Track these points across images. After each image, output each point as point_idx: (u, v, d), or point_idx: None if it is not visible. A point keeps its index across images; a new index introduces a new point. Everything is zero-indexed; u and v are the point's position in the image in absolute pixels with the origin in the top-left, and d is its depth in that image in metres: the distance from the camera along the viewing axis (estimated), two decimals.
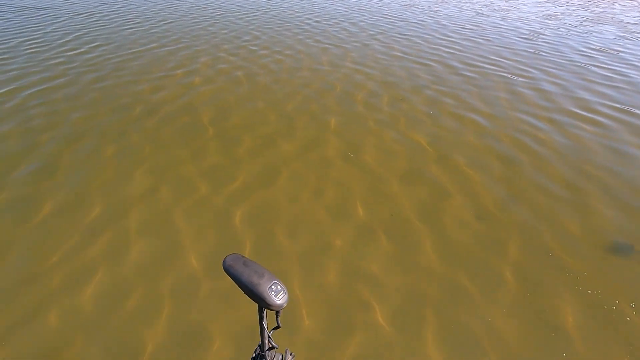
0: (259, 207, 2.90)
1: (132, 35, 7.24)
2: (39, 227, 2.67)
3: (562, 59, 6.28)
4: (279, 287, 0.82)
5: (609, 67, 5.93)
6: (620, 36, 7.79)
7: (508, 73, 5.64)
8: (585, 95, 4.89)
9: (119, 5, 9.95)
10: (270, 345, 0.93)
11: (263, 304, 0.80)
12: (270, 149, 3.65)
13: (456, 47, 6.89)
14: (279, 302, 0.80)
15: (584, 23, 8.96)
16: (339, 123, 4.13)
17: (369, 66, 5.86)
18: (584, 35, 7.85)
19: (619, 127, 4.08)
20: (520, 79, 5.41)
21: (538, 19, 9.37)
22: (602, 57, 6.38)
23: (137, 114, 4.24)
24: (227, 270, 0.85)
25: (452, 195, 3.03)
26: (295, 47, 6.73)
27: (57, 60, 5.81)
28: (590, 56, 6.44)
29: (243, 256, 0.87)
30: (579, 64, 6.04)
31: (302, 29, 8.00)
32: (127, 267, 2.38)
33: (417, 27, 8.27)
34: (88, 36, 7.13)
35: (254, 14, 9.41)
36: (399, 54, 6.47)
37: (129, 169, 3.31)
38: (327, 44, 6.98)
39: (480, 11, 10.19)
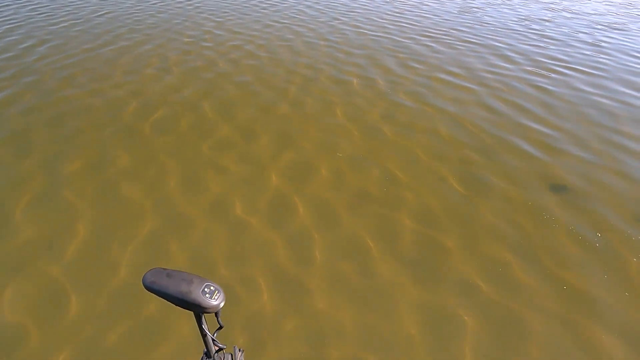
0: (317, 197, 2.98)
1: (71, 30, 6.45)
2: (84, 245, 2.45)
3: (506, 28, 7.06)
4: (212, 287, 0.80)
5: (547, 33, 6.83)
6: (544, 8, 8.91)
7: (466, 42, 6.21)
8: (538, 57, 5.63)
9: None
10: (218, 348, 0.92)
11: (200, 310, 0.78)
12: (293, 134, 3.68)
13: (412, 22, 7.34)
14: (216, 303, 0.78)
15: None
16: (343, 101, 4.26)
17: (342, 43, 6.01)
18: (513, 7, 8.83)
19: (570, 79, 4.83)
20: (482, 48, 6.00)
21: None
22: (536, 26, 7.30)
23: (129, 126, 3.92)
24: (151, 288, 0.79)
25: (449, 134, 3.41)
26: (265, 31, 6.60)
27: None
28: (528, 26, 7.32)
29: (164, 269, 0.82)
30: (521, 32, 6.85)
31: (261, 13, 7.82)
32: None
33: (368, 6, 8.57)
34: (17, 34, 6.20)
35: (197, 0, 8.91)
36: (366, 31, 6.71)
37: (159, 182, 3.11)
38: (295, 25, 6.96)
39: None
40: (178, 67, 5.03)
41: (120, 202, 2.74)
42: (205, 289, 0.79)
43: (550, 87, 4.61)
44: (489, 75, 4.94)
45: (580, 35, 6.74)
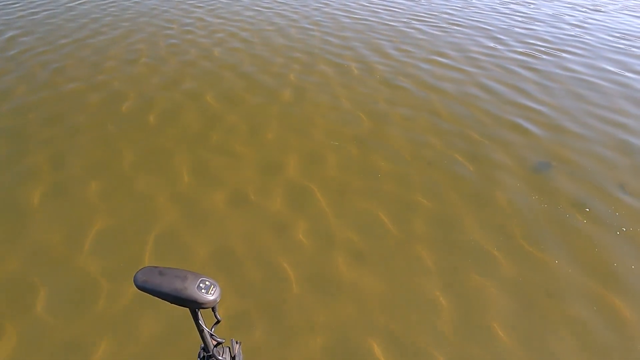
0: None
1: (52, 20, 6.21)
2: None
3: (493, 11, 7.18)
4: (207, 282, 0.79)
5: (533, 15, 6.99)
6: None
7: (456, 25, 6.30)
8: (527, 39, 5.78)
9: None
10: (216, 342, 0.92)
11: (196, 306, 0.77)
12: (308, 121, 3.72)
13: (402, 7, 7.38)
14: (212, 298, 0.77)
15: None
16: (344, 86, 4.31)
17: (335, 28, 6.01)
18: None
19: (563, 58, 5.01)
20: (473, 31, 6.10)
21: None
22: (521, 8, 7.45)
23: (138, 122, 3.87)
24: (143, 287, 0.77)
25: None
26: (258, 18, 6.52)
27: None
28: (513, 8, 7.46)
29: (156, 267, 0.80)
30: (507, 14, 6.99)
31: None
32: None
33: None
34: None
35: None
36: (358, 16, 6.72)
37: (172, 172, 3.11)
38: (286, 11, 6.89)
39: None
40: (174, 56, 4.94)
41: (134, 196, 2.74)
42: (201, 284, 0.77)
43: (541, 68, 4.77)
44: (482, 57, 5.06)
45: (565, 17, 6.92)
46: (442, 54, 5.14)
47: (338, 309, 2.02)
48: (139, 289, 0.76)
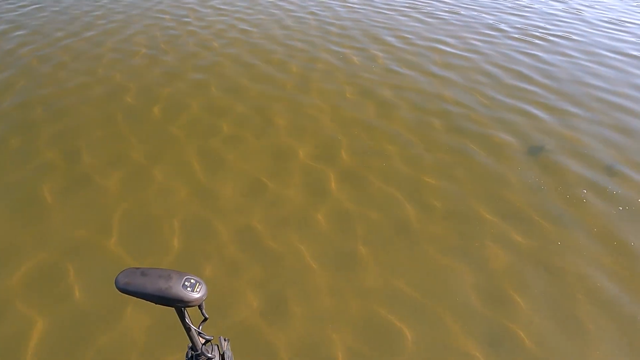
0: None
1: (44, 14, 6.08)
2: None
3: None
4: (192, 280, 0.77)
5: (524, 1, 7.09)
6: None
7: (451, 13, 6.36)
8: (521, 25, 5.87)
9: None
10: (205, 340, 0.91)
11: (182, 305, 0.75)
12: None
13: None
14: (198, 296, 0.76)
15: None
16: (348, 75, 4.36)
17: (333, 17, 6.02)
18: None
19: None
20: (469, 18, 6.17)
21: None
22: None
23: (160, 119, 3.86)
24: (125, 289, 0.74)
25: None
26: (262, 6, 6.49)
27: None
28: None
29: (137, 268, 0.78)
30: (500, 1, 7.07)
31: None
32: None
33: None
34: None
35: None
36: (353, 5, 6.73)
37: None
38: (281, 1, 6.86)
39: None
40: (204, 50, 4.91)
41: (153, 186, 2.75)
42: (186, 283, 0.76)
43: (538, 53, 4.87)
44: (480, 44, 5.14)
45: (557, 3, 7.04)
46: (440, 41, 5.21)
47: (360, 282, 2.10)
48: (121, 291, 0.74)
